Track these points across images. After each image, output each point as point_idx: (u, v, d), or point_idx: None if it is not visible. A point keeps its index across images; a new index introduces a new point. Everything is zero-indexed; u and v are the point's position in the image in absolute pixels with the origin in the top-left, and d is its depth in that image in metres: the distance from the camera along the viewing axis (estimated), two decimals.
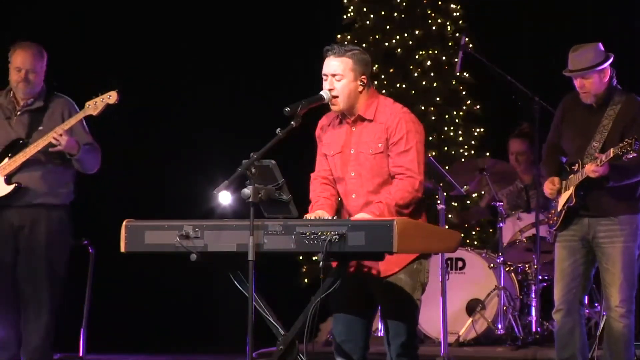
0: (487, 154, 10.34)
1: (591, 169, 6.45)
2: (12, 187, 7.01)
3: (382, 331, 5.58)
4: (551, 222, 6.77)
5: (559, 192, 6.68)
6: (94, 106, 6.96)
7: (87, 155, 7.06)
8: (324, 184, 5.64)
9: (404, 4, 10.71)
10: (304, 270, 10.42)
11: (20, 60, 7.08)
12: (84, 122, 7.11)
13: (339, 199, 5.67)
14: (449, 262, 8.75)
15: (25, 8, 10.40)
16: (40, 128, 7.07)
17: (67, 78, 7.44)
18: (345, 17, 10.78)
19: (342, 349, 5.53)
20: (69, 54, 10.27)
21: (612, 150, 6.37)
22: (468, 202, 10.36)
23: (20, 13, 10.30)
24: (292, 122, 5.32)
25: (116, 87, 6.99)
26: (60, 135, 6.88)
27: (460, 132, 10.64)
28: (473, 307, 8.81)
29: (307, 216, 5.42)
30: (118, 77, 7.13)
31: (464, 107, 10.69)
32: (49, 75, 7.25)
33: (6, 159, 7.04)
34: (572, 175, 6.62)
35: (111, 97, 6.96)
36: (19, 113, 7.14)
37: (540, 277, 8.59)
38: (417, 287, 5.52)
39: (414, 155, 5.42)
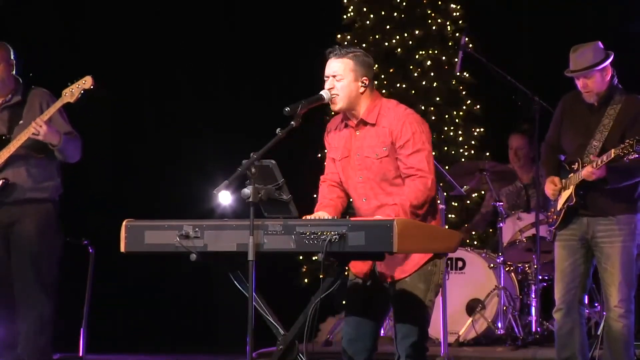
0: (487, 154, 10.35)
1: (588, 172, 6.45)
2: None
3: (393, 332, 5.53)
4: (551, 220, 6.77)
5: (559, 191, 6.68)
6: (71, 94, 6.83)
7: (68, 144, 6.92)
8: (331, 186, 5.63)
9: (404, 4, 10.71)
10: (304, 270, 10.43)
11: None
12: (63, 112, 6.98)
13: (349, 201, 5.65)
14: (449, 262, 8.75)
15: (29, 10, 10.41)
16: (21, 122, 6.96)
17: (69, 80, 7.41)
18: (345, 17, 10.78)
19: (349, 348, 5.52)
20: (70, 54, 10.29)
21: (613, 151, 6.36)
22: (468, 202, 10.36)
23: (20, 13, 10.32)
24: (292, 122, 5.31)
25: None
26: (40, 126, 6.77)
27: (460, 132, 10.64)
28: (473, 307, 8.81)
29: (308, 217, 5.41)
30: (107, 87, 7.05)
31: (464, 107, 10.69)
32: (24, 67, 7.11)
33: None
34: (572, 175, 6.61)
35: (86, 82, 6.83)
36: None
37: (540, 277, 8.58)
38: (431, 289, 5.48)
39: (424, 155, 5.45)
